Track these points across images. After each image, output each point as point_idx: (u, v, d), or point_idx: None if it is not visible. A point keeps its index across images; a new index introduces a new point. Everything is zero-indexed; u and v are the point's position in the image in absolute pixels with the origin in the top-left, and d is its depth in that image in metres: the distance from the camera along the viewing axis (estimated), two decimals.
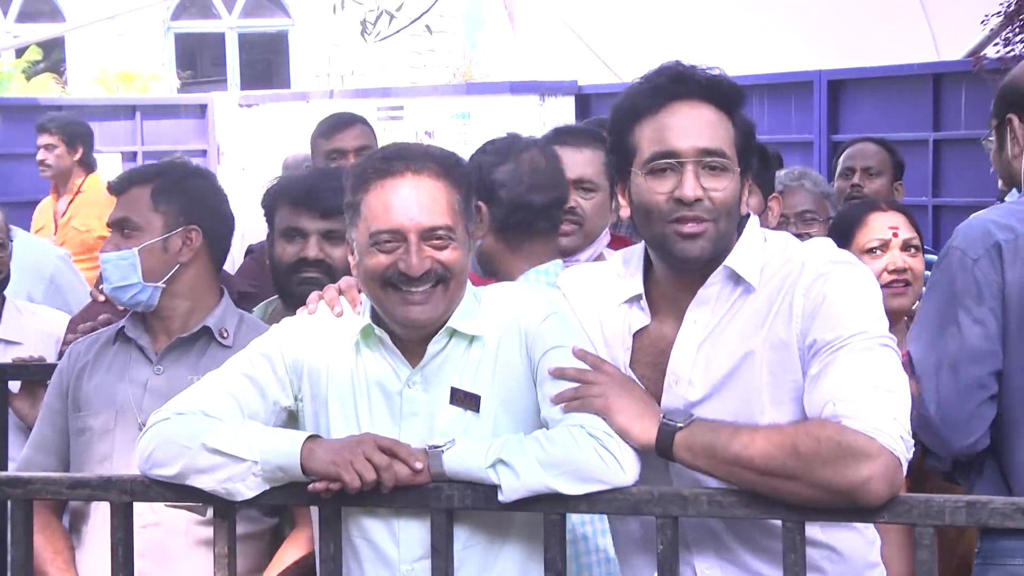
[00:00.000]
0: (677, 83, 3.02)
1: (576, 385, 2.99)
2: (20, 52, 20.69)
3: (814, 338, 2.89)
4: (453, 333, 3.15)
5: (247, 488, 3.05)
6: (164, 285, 3.76)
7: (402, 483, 2.99)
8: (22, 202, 13.23)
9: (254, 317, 3.96)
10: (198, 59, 24.41)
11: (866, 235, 4.31)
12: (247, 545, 3.62)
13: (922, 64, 10.48)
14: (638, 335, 3.12)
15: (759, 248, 3.05)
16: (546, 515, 3.00)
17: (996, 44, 8.64)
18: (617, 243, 4.33)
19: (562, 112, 12.57)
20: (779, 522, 2.89)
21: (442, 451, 3.00)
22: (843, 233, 4.28)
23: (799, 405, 2.92)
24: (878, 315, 2.93)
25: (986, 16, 8.67)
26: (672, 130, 2.98)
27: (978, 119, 9.23)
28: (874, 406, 2.76)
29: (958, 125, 9.80)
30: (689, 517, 2.99)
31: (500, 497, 2.95)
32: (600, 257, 4.18)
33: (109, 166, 14.09)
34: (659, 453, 2.91)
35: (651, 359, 3.10)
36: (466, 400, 3.12)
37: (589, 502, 2.97)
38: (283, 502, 3.27)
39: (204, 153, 14.36)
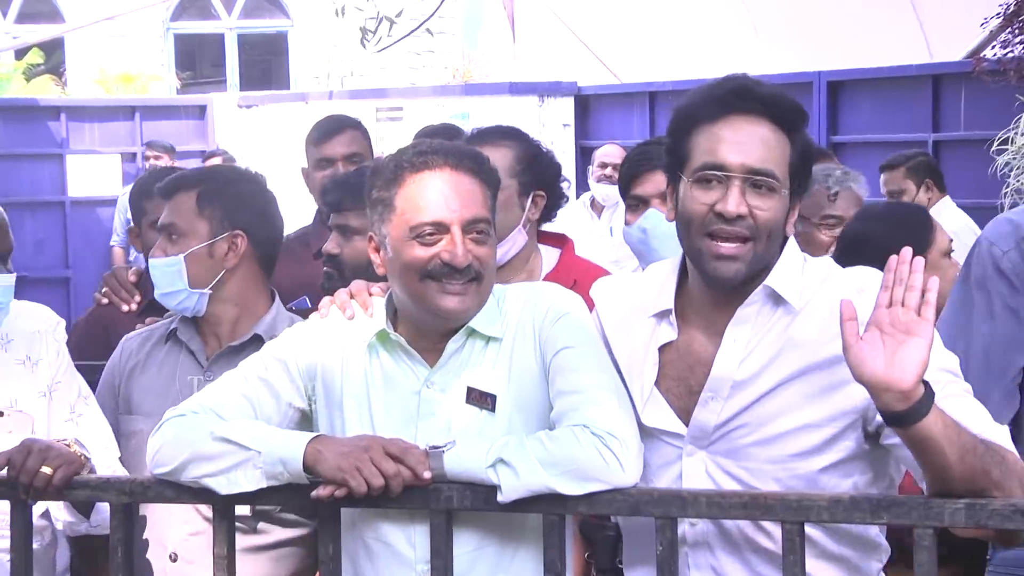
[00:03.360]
0: (739, 97, 2.98)
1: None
2: (20, 54, 20.70)
3: None
4: (471, 333, 3.16)
5: (246, 480, 3.04)
6: (211, 291, 3.75)
7: (406, 484, 3.00)
8: (22, 203, 13.27)
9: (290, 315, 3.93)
10: (197, 60, 24.41)
11: (942, 235, 4.26)
12: (295, 550, 3.64)
13: (921, 65, 10.49)
14: (664, 349, 3.11)
15: (799, 269, 3.04)
16: (545, 516, 3.00)
17: (994, 46, 8.65)
18: (552, 240, 4.32)
19: (561, 113, 12.57)
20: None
21: (442, 452, 3.00)
22: (918, 239, 4.04)
23: (836, 428, 2.92)
24: (943, 349, 2.94)
25: (985, 18, 8.67)
26: (725, 143, 2.95)
27: (977, 120, 9.24)
28: (1006, 435, 2.83)
29: (957, 126, 9.80)
30: (688, 518, 2.99)
31: (500, 497, 2.95)
32: (517, 256, 4.18)
33: (109, 167, 14.15)
34: (912, 414, 2.68)
35: (677, 373, 3.09)
36: (482, 399, 3.13)
37: (589, 502, 2.97)
38: (283, 503, 3.26)
39: (204, 153, 14.35)
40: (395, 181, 3.14)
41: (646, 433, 3.07)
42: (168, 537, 3.49)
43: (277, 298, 3.88)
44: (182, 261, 3.73)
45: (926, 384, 2.68)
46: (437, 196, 3.11)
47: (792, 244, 3.07)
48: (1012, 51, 8.03)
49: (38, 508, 3.50)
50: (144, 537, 3.66)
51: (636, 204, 4.16)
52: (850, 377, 2.76)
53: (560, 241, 4.35)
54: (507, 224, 4.11)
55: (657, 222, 4.03)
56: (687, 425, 3.05)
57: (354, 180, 4.02)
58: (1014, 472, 2.75)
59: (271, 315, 3.81)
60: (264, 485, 3.04)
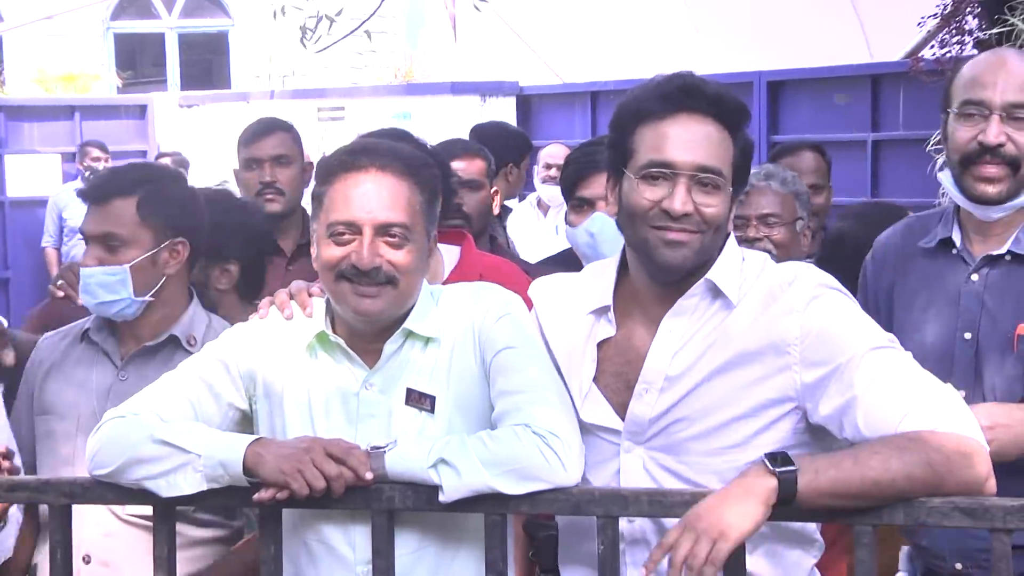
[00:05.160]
0: (687, 95, 3.00)
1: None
2: None
3: (828, 364, 2.90)
4: (409, 334, 3.15)
5: (186, 482, 3.03)
6: (152, 298, 3.72)
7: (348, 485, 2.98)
8: None
9: (223, 320, 3.90)
10: (138, 59, 24.27)
11: None
12: (210, 549, 3.61)
13: (860, 65, 10.53)
14: (602, 345, 3.11)
15: (738, 265, 3.05)
16: (487, 516, 2.99)
17: (932, 46, 8.69)
18: (450, 237, 4.29)
19: (503, 112, 12.56)
20: None
21: (384, 452, 2.99)
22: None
23: (768, 418, 2.96)
24: (879, 329, 2.98)
25: (923, 18, 8.71)
26: (672, 141, 2.97)
27: (916, 120, 9.28)
28: (951, 409, 2.82)
29: (896, 126, 9.84)
30: (630, 516, 2.99)
31: (441, 497, 2.94)
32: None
33: (48, 166, 14.04)
34: (781, 507, 2.76)
35: (615, 368, 3.10)
36: (421, 400, 3.12)
37: (531, 502, 2.97)
38: (224, 503, 3.25)
39: (144, 154, 14.26)
40: (327, 179, 3.15)
41: (584, 430, 3.07)
42: (81, 538, 3.43)
43: (195, 298, 3.85)
44: (127, 271, 3.68)
45: (781, 481, 2.73)
46: (356, 197, 3.09)
47: (732, 240, 3.09)
48: (949, 51, 8.07)
49: None
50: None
51: (581, 205, 4.14)
52: (777, 367, 2.88)
53: (459, 238, 4.31)
54: None
55: (603, 225, 4.02)
56: (623, 419, 3.06)
57: None
58: (948, 467, 2.76)
59: (188, 315, 3.79)
60: (204, 488, 3.02)
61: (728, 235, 3.08)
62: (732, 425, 2.98)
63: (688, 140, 2.97)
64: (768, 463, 2.75)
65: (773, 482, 2.73)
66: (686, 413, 3.00)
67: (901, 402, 2.82)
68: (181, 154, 13.32)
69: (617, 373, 3.09)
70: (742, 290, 3.02)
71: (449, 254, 4.26)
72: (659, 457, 3.03)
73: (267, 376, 3.21)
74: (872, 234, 3.87)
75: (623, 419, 3.06)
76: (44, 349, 3.84)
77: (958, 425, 2.79)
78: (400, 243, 3.09)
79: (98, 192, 3.78)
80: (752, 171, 5.14)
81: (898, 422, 2.81)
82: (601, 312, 3.12)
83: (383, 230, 3.08)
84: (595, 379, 3.10)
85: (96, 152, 12.93)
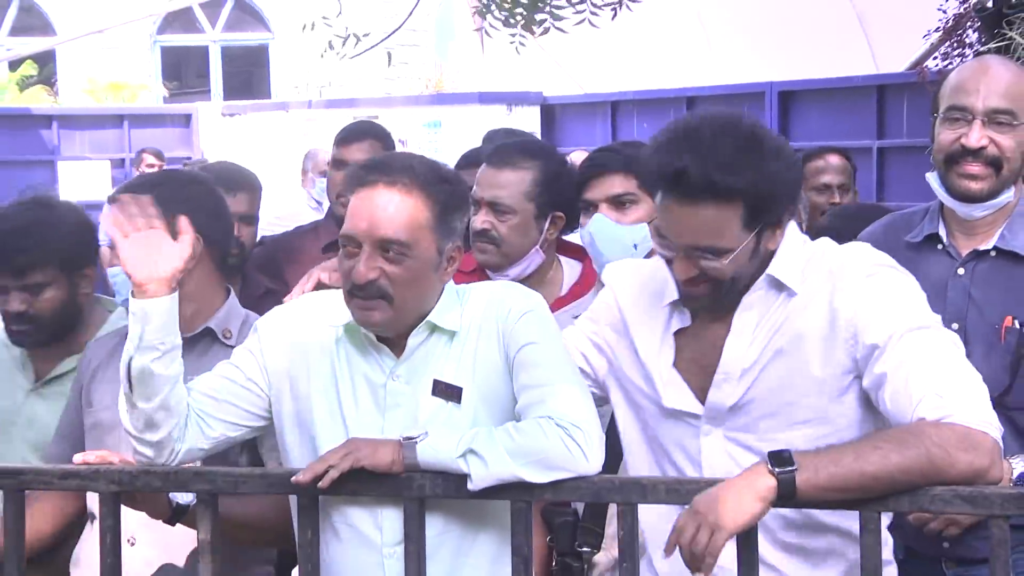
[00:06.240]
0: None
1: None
2: (14, 65, 20.61)
3: (874, 338, 2.89)
4: (434, 328, 3.15)
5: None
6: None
7: (378, 471, 2.99)
8: None
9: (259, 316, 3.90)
10: (183, 71, 24.35)
11: None
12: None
13: (866, 76, 10.53)
14: (679, 333, 3.12)
15: (799, 252, 3.05)
16: (513, 503, 3.00)
17: (935, 58, 8.68)
18: (572, 252, 4.29)
19: (528, 121, 12.57)
20: None
21: (416, 442, 2.99)
22: None
23: (833, 392, 2.95)
24: (928, 309, 2.97)
25: (928, 31, 8.70)
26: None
27: (919, 127, 9.26)
28: (968, 398, 2.80)
29: (900, 133, 9.84)
30: (648, 504, 2.99)
31: (469, 485, 2.95)
32: (536, 273, 4.11)
33: (99, 172, 14.10)
34: (784, 503, 2.78)
35: (693, 356, 3.09)
36: (448, 392, 3.11)
37: (554, 490, 2.97)
38: (262, 491, 3.25)
39: (189, 160, 14.30)
40: (350, 191, 3.14)
41: (666, 414, 3.09)
42: (126, 522, 3.44)
43: (232, 294, 3.86)
44: None
45: (779, 478, 2.73)
46: (360, 211, 3.08)
47: (792, 230, 3.06)
48: (951, 63, 8.06)
49: None
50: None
51: (586, 207, 4.14)
52: (838, 342, 2.92)
53: (581, 253, 4.26)
54: (524, 246, 4.06)
55: (601, 226, 4.00)
56: (703, 404, 3.06)
57: None
58: (947, 460, 2.74)
59: (224, 310, 3.78)
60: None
61: (783, 227, 3.04)
62: (803, 401, 2.97)
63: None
64: (769, 463, 2.76)
65: (772, 482, 2.75)
66: (762, 395, 3.00)
67: (921, 386, 2.81)
68: (159, 150, 13.23)
69: (694, 359, 3.09)
70: (804, 275, 3.02)
71: (571, 269, 4.24)
72: (739, 436, 3.04)
73: (294, 366, 3.20)
74: (855, 230, 3.86)
75: (702, 402, 3.06)
76: (93, 350, 3.85)
77: (971, 415, 2.77)
78: (397, 259, 3.05)
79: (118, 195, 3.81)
80: None
81: (913, 407, 2.80)
82: (677, 304, 3.11)
83: (381, 246, 3.05)
84: (674, 364, 3.11)
85: (151, 159, 12.96)
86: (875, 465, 2.74)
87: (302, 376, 3.19)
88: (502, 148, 4.32)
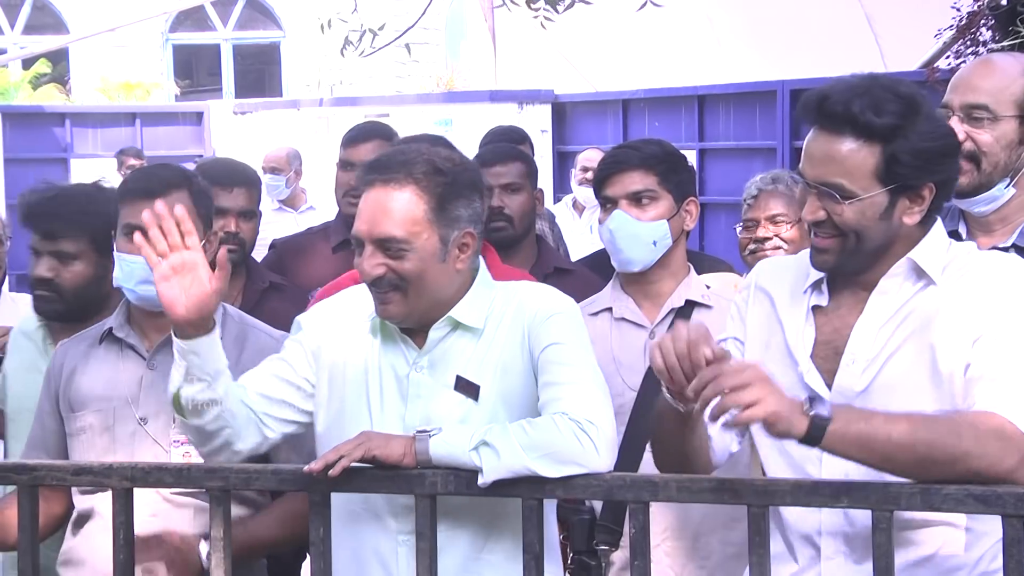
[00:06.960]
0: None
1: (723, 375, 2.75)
2: (27, 63, 20.65)
3: (984, 329, 2.87)
4: (456, 324, 3.18)
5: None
6: None
7: (389, 462, 3.00)
8: None
9: (236, 309, 3.87)
10: (195, 69, 24.38)
11: None
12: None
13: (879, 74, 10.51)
14: (816, 311, 3.07)
15: (944, 248, 3.01)
16: (524, 500, 2.99)
17: (948, 56, 8.64)
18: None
19: (539, 119, 12.56)
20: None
21: (429, 436, 3.00)
22: None
23: (959, 383, 2.90)
24: None
25: (939, 30, 8.67)
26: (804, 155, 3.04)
27: None
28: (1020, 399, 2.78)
29: None
30: (659, 501, 2.99)
31: (481, 478, 2.95)
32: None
33: (111, 170, 14.10)
34: (808, 443, 2.76)
35: (825, 338, 3.05)
36: (467, 388, 3.15)
37: (565, 487, 2.97)
38: (274, 487, 3.26)
39: (201, 158, 14.32)
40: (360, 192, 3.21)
41: None
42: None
43: None
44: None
45: (814, 417, 2.70)
46: (362, 212, 3.16)
47: (939, 225, 3.04)
48: (964, 61, 8.03)
49: None
50: (100, 518, 3.58)
51: (606, 204, 4.14)
52: (965, 336, 2.87)
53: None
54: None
55: (622, 223, 4.01)
56: (830, 388, 3.01)
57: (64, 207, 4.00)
58: (980, 433, 2.74)
59: None
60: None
61: (936, 219, 3.02)
62: (928, 395, 2.92)
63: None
64: (807, 403, 2.74)
65: (805, 422, 2.71)
66: (889, 382, 2.95)
67: (984, 374, 2.81)
68: (140, 150, 13.26)
69: (826, 342, 3.04)
70: (946, 270, 2.98)
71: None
72: None
73: (331, 354, 3.25)
74: None
75: (830, 387, 3.00)
76: (62, 354, 3.79)
77: (1017, 412, 2.76)
78: (398, 254, 3.11)
79: (156, 186, 3.75)
80: (759, 177, 5.21)
81: (967, 392, 2.81)
82: (816, 285, 3.08)
83: (381, 244, 3.12)
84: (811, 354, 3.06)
85: (131, 160, 12.95)
86: (902, 434, 2.72)
87: (339, 364, 3.24)
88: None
